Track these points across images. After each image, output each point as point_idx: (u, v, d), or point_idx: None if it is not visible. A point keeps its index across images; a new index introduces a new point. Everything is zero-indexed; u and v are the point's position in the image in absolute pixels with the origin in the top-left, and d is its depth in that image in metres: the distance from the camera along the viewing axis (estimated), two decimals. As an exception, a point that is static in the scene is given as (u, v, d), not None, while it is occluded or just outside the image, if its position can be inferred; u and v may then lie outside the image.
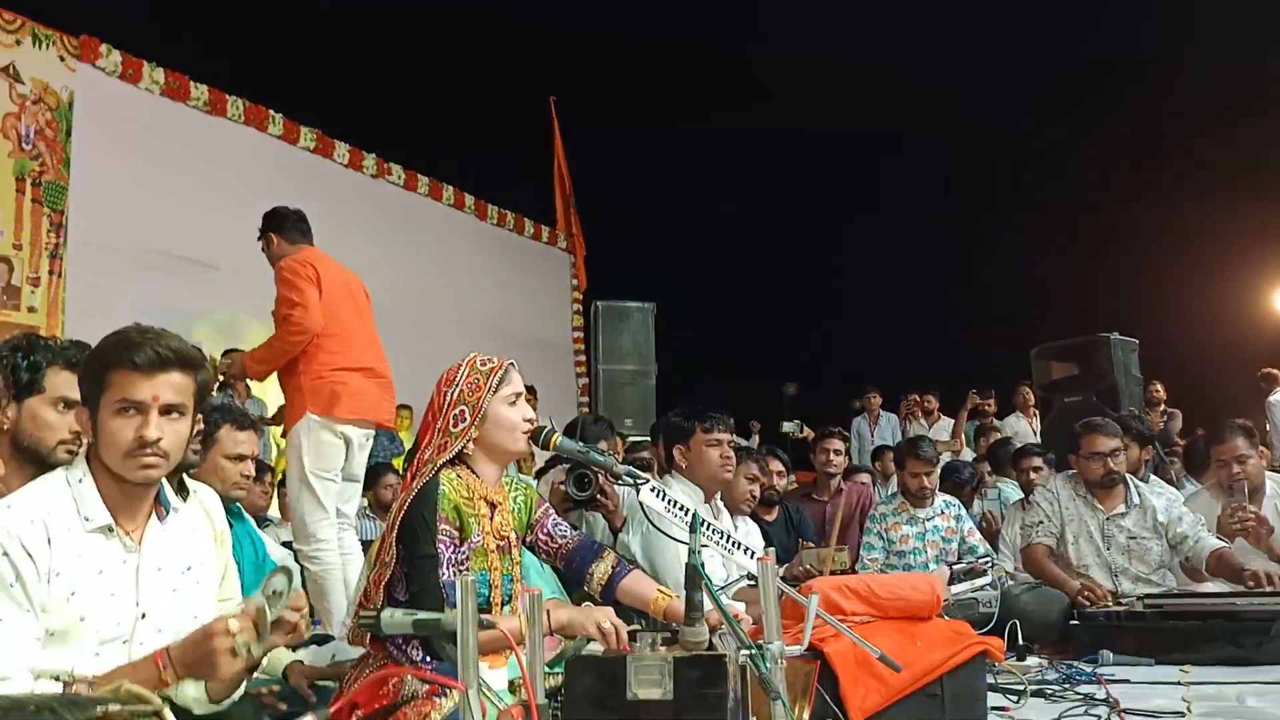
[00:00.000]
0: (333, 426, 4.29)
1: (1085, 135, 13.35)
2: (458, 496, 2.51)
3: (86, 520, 1.93)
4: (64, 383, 2.21)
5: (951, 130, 14.22)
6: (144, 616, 1.97)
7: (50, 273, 7.45)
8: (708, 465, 3.91)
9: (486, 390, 2.59)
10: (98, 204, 7.79)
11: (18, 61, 7.39)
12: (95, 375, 1.96)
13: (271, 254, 4.65)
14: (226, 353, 6.42)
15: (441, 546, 2.43)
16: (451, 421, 2.58)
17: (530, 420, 2.61)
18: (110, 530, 1.96)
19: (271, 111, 9.65)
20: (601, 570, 2.73)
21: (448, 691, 2.26)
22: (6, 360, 2.35)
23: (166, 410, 1.97)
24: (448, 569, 2.42)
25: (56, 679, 1.53)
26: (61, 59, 7.69)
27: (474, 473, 2.60)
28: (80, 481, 1.96)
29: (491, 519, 2.58)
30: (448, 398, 2.61)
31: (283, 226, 4.68)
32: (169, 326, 2.07)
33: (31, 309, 7.32)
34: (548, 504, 2.85)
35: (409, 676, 2.36)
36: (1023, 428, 9.82)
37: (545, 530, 2.78)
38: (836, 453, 6.34)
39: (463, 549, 2.49)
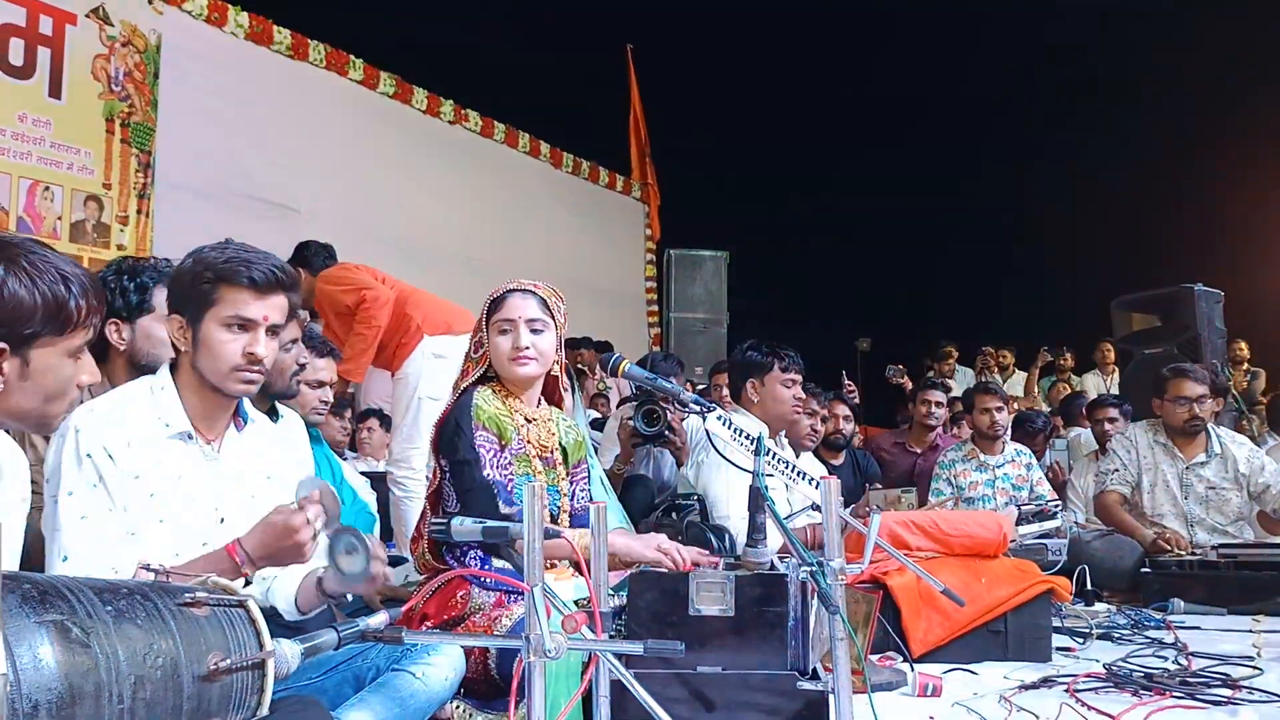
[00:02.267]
0: (443, 347, 4.42)
1: (1169, 78, 12.88)
2: (492, 408, 2.57)
3: (166, 426, 2.00)
4: None
5: (1026, 82, 13.83)
6: (222, 521, 2.05)
7: (138, 212, 7.66)
8: (780, 403, 3.89)
9: (486, 315, 2.65)
10: (183, 146, 7.97)
11: (107, 4, 7.56)
12: (203, 289, 1.98)
13: (303, 288, 4.65)
14: None
15: (481, 451, 2.49)
16: (473, 348, 2.68)
17: (522, 349, 2.58)
18: (190, 437, 2.03)
19: (352, 57, 9.74)
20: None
21: (514, 601, 2.33)
22: (113, 284, 2.44)
23: (272, 330, 2.04)
24: (491, 469, 2.48)
25: (147, 568, 1.60)
26: (149, 1, 7.85)
27: (506, 390, 2.65)
28: (163, 389, 2.03)
29: (529, 430, 2.63)
30: (476, 325, 2.69)
31: (312, 261, 4.81)
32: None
33: (121, 247, 7.53)
34: (588, 466, 2.86)
35: (475, 590, 2.44)
36: (1097, 383, 9.66)
37: (572, 480, 2.79)
38: (938, 404, 6.22)
39: (504, 454, 2.54)
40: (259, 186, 8.50)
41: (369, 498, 4.06)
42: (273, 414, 2.85)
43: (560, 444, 2.73)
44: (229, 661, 1.49)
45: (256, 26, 8.70)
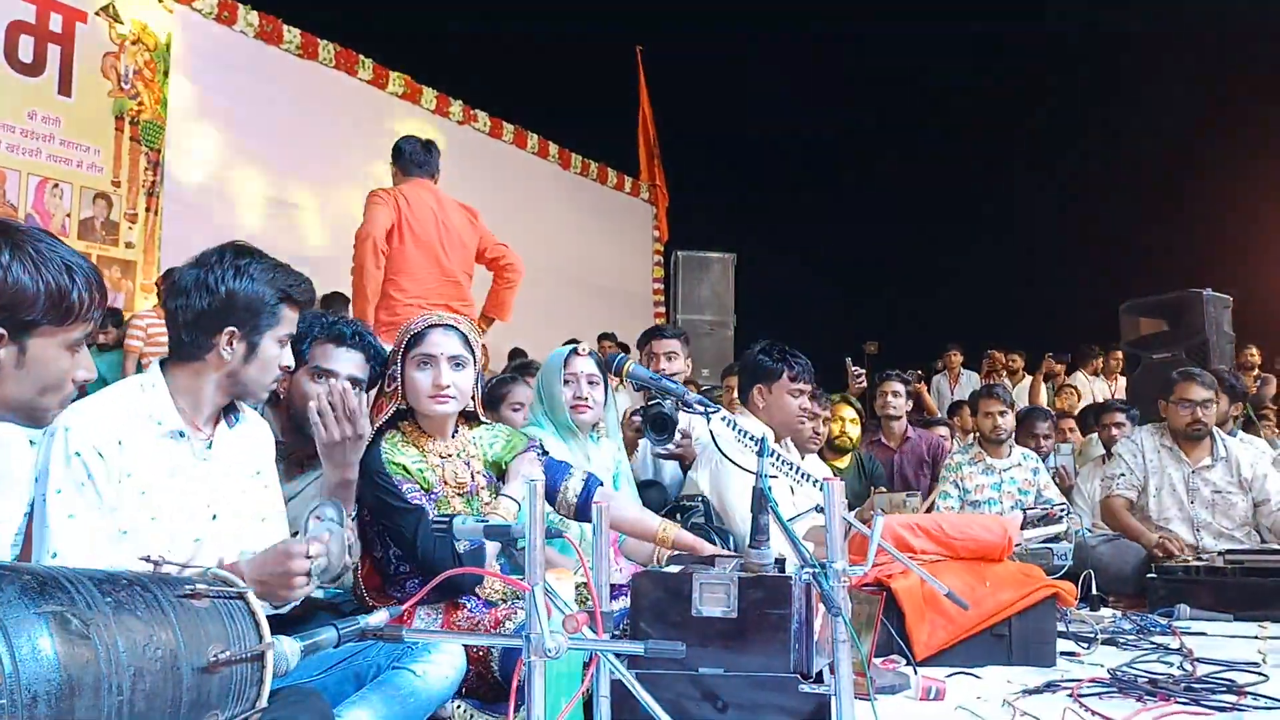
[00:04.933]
0: None
1: (1177, 82, 12.85)
2: (403, 457, 2.51)
3: (159, 424, 2.00)
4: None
5: (1037, 85, 13.82)
6: (215, 517, 2.05)
7: (147, 210, 7.69)
8: (786, 411, 3.87)
9: (401, 348, 2.58)
10: (192, 144, 8.00)
11: (117, 2, 7.59)
12: (269, 306, 2.08)
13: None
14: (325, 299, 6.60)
15: (415, 497, 2.46)
16: (387, 382, 2.61)
17: (442, 387, 2.52)
18: (181, 435, 2.03)
19: (361, 56, 9.77)
20: (573, 486, 2.69)
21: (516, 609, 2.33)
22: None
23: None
24: (411, 497, 2.46)
25: (146, 559, 1.60)
26: (159, 0, 7.88)
27: (420, 429, 2.59)
28: (154, 387, 2.03)
29: (444, 469, 2.57)
30: (390, 358, 2.64)
31: (398, 158, 4.83)
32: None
33: (129, 244, 7.56)
34: (534, 451, 2.75)
35: (470, 608, 2.43)
36: (1091, 387, 9.66)
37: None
38: (895, 394, 6.23)
39: (429, 498, 2.51)
40: (267, 185, 8.54)
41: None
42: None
43: (487, 462, 2.66)
44: (229, 653, 1.49)
45: (266, 25, 8.74)
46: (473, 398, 2.65)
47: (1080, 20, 13.42)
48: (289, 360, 2.15)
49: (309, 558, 1.87)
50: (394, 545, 2.49)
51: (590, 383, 3.17)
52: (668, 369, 4.56)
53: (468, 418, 2.71)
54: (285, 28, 8.92)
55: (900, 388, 6.28)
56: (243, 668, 1.52)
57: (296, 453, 2.64)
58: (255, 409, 2.32)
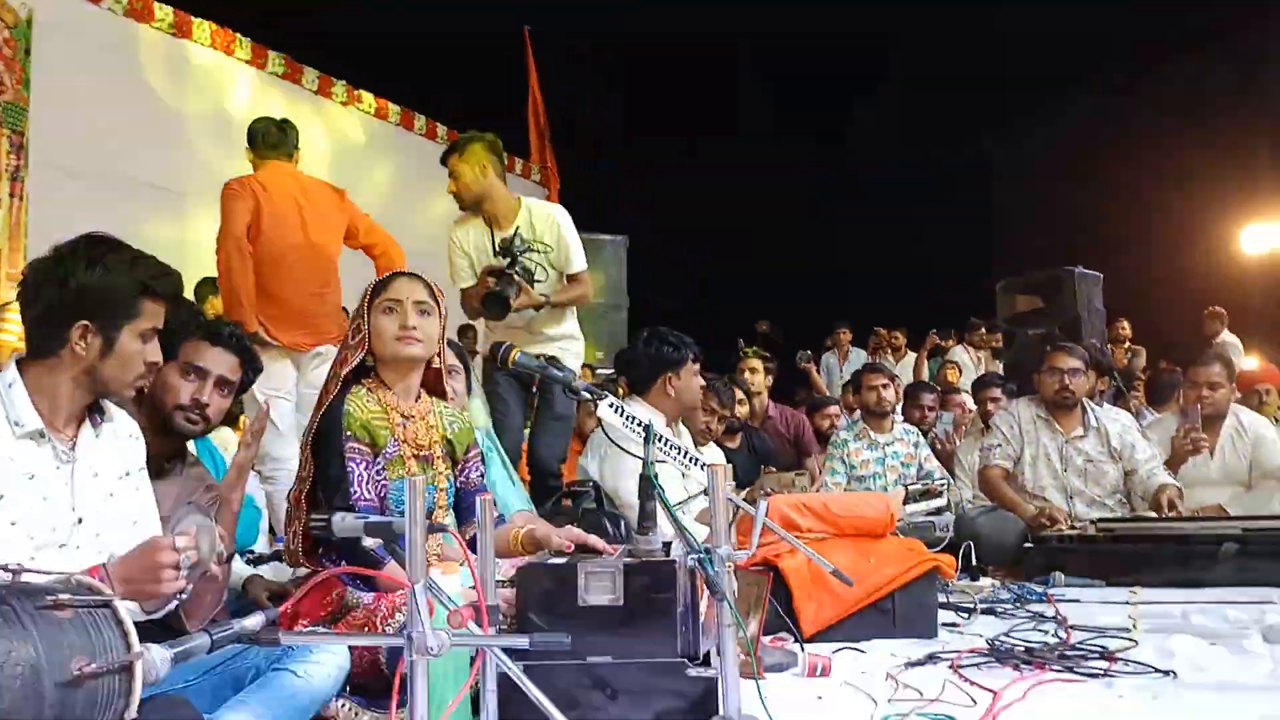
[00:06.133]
0: (271, 350, 4.32)
1: (1054, 70, 13.29)
2: (365, 413, 2.54)
3: (17, 425, 1.91)
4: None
5: (919, 66, 14.15)
6: (80, 521, 1.97)
7: (11, 195, 7.32)
8: (694, 393, 4.08)
9: (369, 297, 2.62)
10: (59, 126, 7.64)
11: (-27, -23, 7.21)
12: (126, 299, 1.98)
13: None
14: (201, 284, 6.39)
15: (352, 464, 2.47)
16: (351, 334, 2.63)
17: (408, 328, 2.57)
18: (42, 435, 1.94)
19: (239, 35, 9.47)
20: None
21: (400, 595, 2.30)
22: None
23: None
24: (360, 486, 2.46)
25: (4, 568, 1.53)
26: (18, -25, 7.50)
27: (384, 384, 2.62)
28: (10, 386, 1.94)
29: (405, 429, 2.59)
30: (352, 313, 2.66)
31: (252, 142, 4.66)
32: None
33: (-8, 232, 7.21)
34: (480, 451, 2.86)
35: (350, 588, 2.40)
36: (966, 359, 10.02)
37: (464, 470, 2.78)
38: (753, 370, 6.34)
39: (378, 461, 2.52)
40: (142, 169, 8.20)
41: (256, 490, 3.96)
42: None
43: (445, 437, 2.70)
44: (94, 666, 1.44)
45: (137, 3, 8.39)
46: (438, 354, 2.69)
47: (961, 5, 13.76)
48: (155, 356, 2.05)
49: (177, 550, 1.81)
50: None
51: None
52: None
53: (431, 389, 2.74)
54: (157, 5, 8.57)
55: (759, 364, 6.38)
56: (110, 679, 1.47)
57: (157, 454, 2.55)
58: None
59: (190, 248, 8.14)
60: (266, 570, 3.26)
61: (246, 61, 9.57)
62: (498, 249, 4.28)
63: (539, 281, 4.28)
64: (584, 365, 10.12)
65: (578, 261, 4.41)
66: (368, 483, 2.46)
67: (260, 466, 4.28)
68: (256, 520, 3.70)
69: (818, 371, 10.28)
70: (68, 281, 1.93)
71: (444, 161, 4.53)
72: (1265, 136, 12.83)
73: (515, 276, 4.14)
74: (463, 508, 2.74)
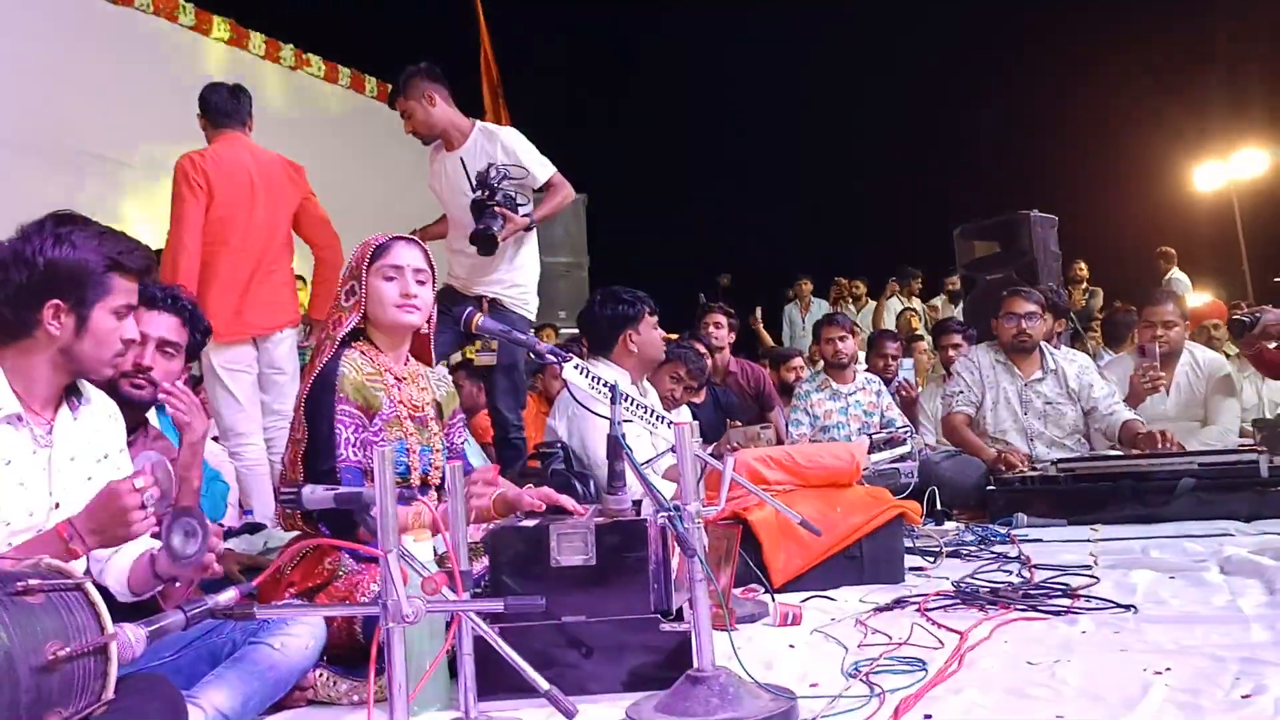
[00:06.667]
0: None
1: (1005, 13, 13.31)
2: (359, 375, 2.54)
3: None
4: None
5: (871, 12, 14.11)
6: (58, 506, 1.95)
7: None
8: (655, 345, 4.08)
9: (366, 261, 2.61)
10: (3, 99, 7.47)
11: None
12: (96, 276, 1.96)
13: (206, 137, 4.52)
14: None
15: (341, 428, 2.46)
16: (344, 296, 2.63)
17: (408, 296, 2.59)
18: (20, 419, 1.92)
19: (182, 2, 9.27)
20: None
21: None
22: None
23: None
24: (349, 449, 2.46)
25: (-29, 558, 1.53)
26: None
27: (376, 347, 2.63)
28: None
29: (400, 390, 2.61)
30: (343, 273, 2.66)
31: (205, 109, 4.50)
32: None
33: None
34: (463, 416, 2.92)
35: (344, 556, 2.41)
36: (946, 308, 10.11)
37: (449, 433, 2.80)
38: (717, 325, 6.34)
39: (373, 423, 2.52)
40: (89, 141, 8.06)
41: (223, 464, 3.94)
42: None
43: (434, 399, 2.71)
44: (68, 650, 1.45)
45: (75, -30, 8.19)
46: (428, 320, 2.71)
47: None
48: (132, 333, 2.03)
49: (138, 490, 1.80)
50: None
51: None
52: None
53: (418, 355, 2.77)
54: (97, -27, 8.39)
55: (723, 319, 6.38)
56: (85, 662, 1.47)
57: None
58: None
59: (137, 221, 8.03)
60: (236, 543, 3.27)
61: (191, 28, 9.39)
62: (474, 184, 4.27)
63: (520, 205, 4.32)
64: (547, 325, 10.16)
65: (543, 170, 4.45)
66: (355, 445, 2.46)
67: (225, 442, 4.26)
68: (225, 494, 3.69)
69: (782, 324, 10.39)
70: (35, 261, 1.90)
71: (392, 105, 4.56)
72: (1217, 75, 12.95)
73: (496, 208, 4.16)
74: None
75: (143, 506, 1.79)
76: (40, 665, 1.40)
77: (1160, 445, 4.32)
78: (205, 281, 4.22)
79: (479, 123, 4.54)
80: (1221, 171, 14.11)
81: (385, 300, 2.58)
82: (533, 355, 2.71)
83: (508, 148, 4.39)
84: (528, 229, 4.41)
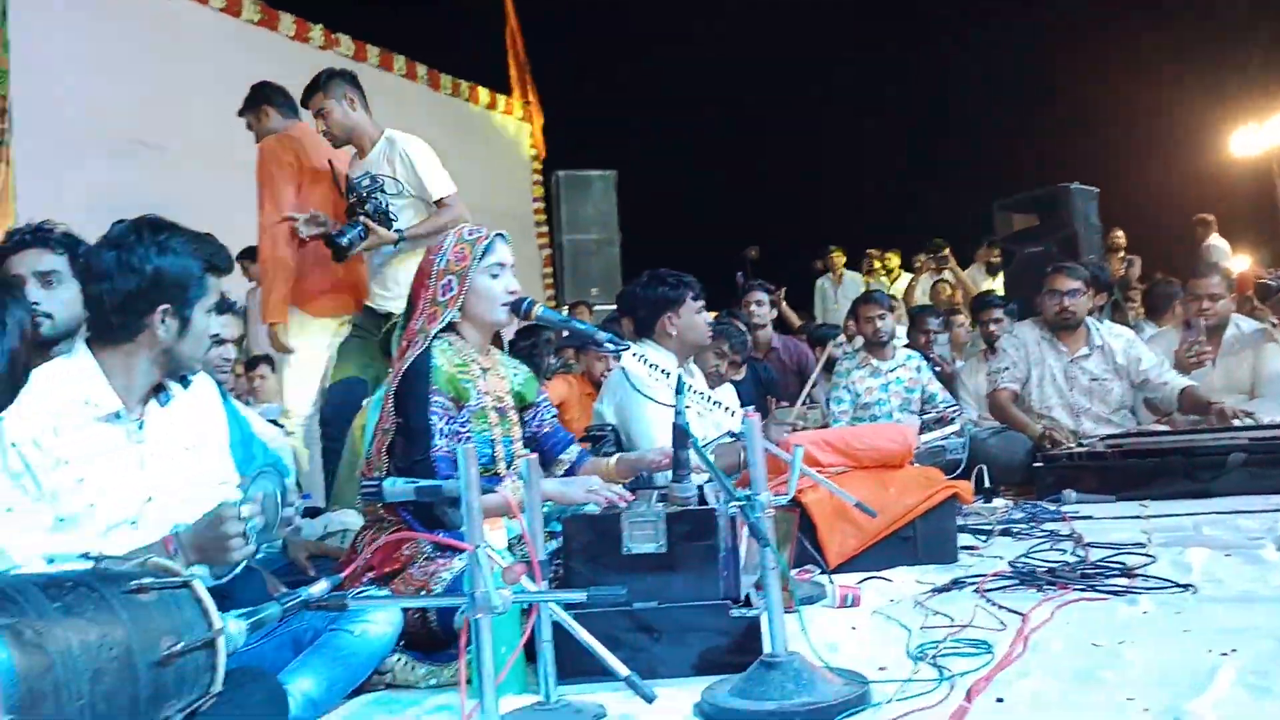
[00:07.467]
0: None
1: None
2: (451, 367, 2.59)
3: (96, 407, 1.98)
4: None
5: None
6: (150, 499, 2.03)
7: (-1, 161, 7.26)
8: (696, 330, 3.95)
9: (472, 259, 2.66)
10: (42, 88, 7.54)
11: (-59, -62, 7.06)
12: (197, 279, 2.09)
13: (260, 129, 4.50)
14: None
15: (434, 418, 2.51)
16: (440, 291, 2.66)
17: (513, 292, 2.68)
18: (118, 416, 2.01)
19: (211, -17, 9.30)
20: (567, 457, 2.86)
21: (451, 554, 2.36)
22: None
23: None
24: (442, 439, 2.50)
25: (86, 556, 1.59)
26: (-11, -66, 7.33)
27: (463, 339, 2.69)
28: (85, 369, 2.01)
29: (486, 381, 2.67)
30: (435, 267, 2.68)
31: (273, 99, 4.52)
32: (126, 214, 2.14)
33: (-20, 198, 7.15)
34: (548, 396, 2.97)
35: (421, 541, 2.46)
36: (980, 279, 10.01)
37: (536, 414, 2.86)
38: (759, 303, 6.36)
39: (461, 414, 2.57)
40: (128, 128, 8.11)
41: (282, 448, 4.00)
42: (184, 380, 2.79)
43: (512, 389, 2.77)
44: (181, 645, 1.50)
45: (110, -42, 8.23)
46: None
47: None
48: (217, 329, 2.16)
49: (242, 519, 1.87)
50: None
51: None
52: None
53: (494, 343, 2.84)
54: (129, -42, 8.42)
55: (764, 297, 6.39)
56: (195, 656, 1.53)
57: None
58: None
59: (180, 207, 8.08)
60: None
61: (222, 10, 9.42)
62: (343, 190, 4.24)
63: (394, 220, 4.18)
64: (580, 303, 10.19)
65: (437, 187, 4.22)
66: (448, 436, 2.51)
67: (284, 421, 4.34)
68: (282, 480, 3.74)
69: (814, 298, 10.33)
70: (143, 269, 2.00)
71: (305, 104, 4.37)
72: (1254, 39, 12.75)
73: (361, 218, 4.08)
74: (543, 451, 2.81)
75: (244, 535, 1.86)
76: (156, 661, 1.46)
77: (1231, 420, 4.31)
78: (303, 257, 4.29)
79: (388, 130, 4.36)
80: (1259, 136, 13.92)
81: (493, 297, 2.66)
82: (593, 344, 2.74)
83: (405, 157, 4.21)
84: (395, 244, 4.18)
